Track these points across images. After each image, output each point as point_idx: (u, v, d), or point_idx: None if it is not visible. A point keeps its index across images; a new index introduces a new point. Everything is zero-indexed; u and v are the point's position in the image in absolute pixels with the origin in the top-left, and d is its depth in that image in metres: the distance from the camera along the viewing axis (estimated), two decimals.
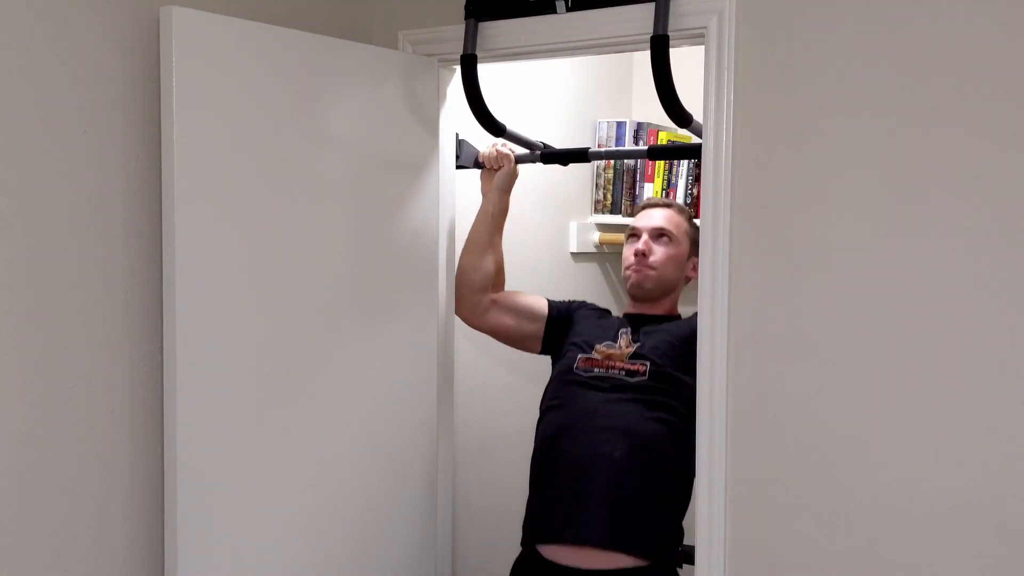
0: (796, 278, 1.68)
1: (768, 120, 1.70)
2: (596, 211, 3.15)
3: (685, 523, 2.08)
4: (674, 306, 2.28)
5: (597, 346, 2.16)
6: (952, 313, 1.55)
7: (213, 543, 1.75)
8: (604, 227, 3.17)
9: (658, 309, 2.25)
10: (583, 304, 2.36)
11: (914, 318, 1.58)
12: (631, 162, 3.07)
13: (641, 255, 2.21)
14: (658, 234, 2.23)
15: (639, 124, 3.04)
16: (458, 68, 2.05)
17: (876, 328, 1.61)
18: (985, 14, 1.50)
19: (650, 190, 3.01)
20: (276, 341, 1.83)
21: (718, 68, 1.73)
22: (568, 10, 1.93)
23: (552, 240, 3.02)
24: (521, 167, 2.30)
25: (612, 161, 3.09)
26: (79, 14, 1.61)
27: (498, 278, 2.32)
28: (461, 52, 2.00)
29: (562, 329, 2.30)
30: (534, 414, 2.31)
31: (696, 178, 2.87)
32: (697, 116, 1.85)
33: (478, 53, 2.01)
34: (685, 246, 2.24)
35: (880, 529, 1.61)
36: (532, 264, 2.88)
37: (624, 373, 2.09)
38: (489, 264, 2.28)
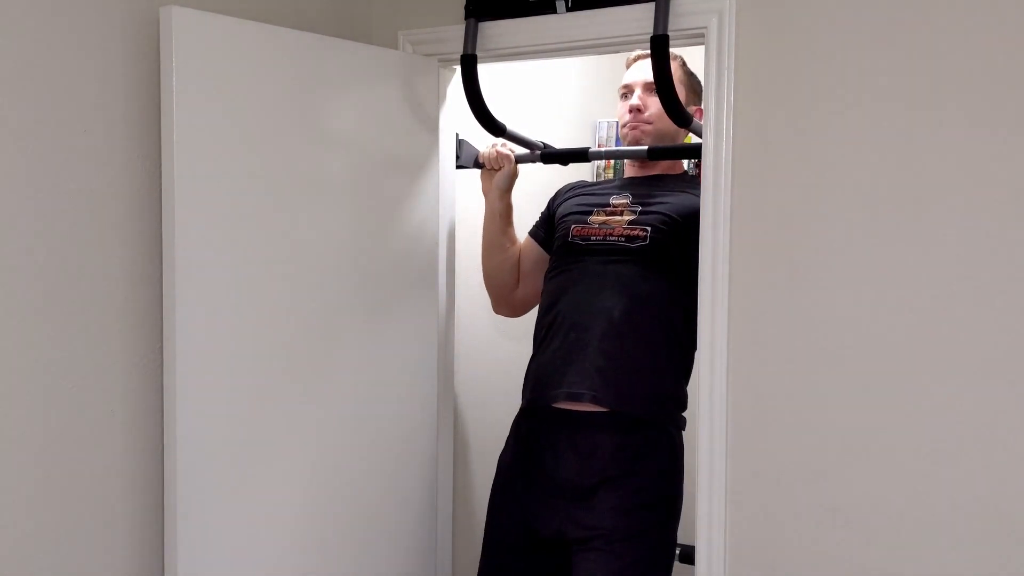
0: (796, 279, 1.68)
1: (768, 120, 1.70)
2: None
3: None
4: (675, 162, 2.20)
5: (592, 215, 2.09)
6: (952, 314, 1.55)
7: (213, 542, 1.75)
8: None
9: (658, 168, 2.16)
10: (559, 192, 2.28)
11: (914, 318, 1.58)
12: None
13: (636, 111, 2.12)
14: (651, 87, 2.05)
15: None
16: (458, 68, 2.05)
17: (876, 328, 1.61)
18: (987, 14, 1.50)
19: None
20: (276, 341, 1.83)
21: (718, 68, 1.73)
22: (568, 10, 1.93)
23: None
24: (521, 167, 2.30)
25: (612, 161, 3.09)
26: (79, 14, 1.61)
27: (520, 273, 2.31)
28: (461, 52, 2.01)
29: (554, 228, 2.22)
30: None
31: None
32: None
33: (478, 53, 2.01)
34: (681, 94, 2.03)
35: (880, 529, 1.61)
36: None
37: (624, 239, 2.02)
38: (511, 260, 2.26)
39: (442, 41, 2.11)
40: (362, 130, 1.99)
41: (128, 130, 1.69)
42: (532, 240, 2.28)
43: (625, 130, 2.16)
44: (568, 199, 2.23)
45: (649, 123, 2.12)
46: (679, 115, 1.85)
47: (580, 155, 2.37)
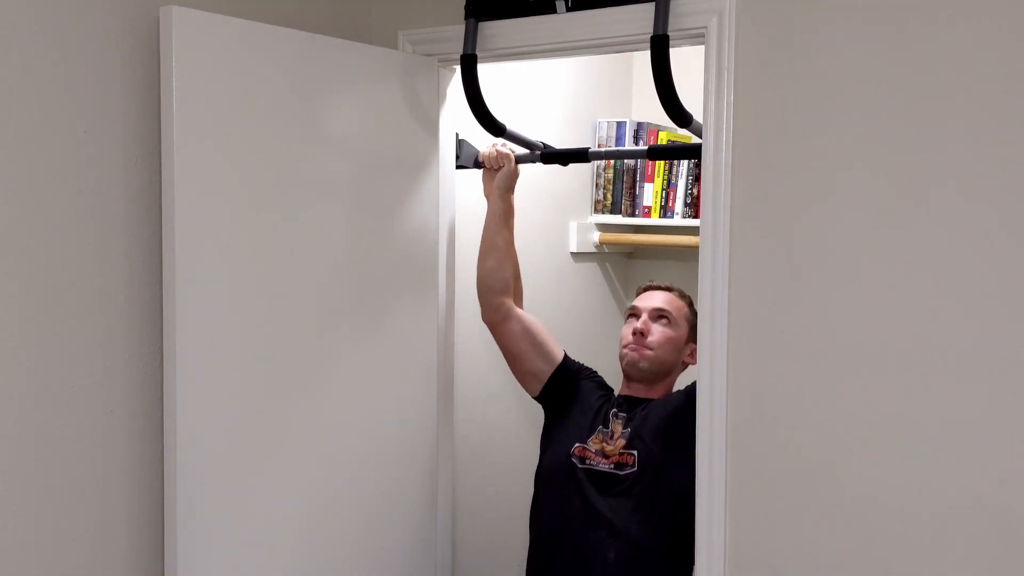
0: (796, 278, 1.68)
1: (768, 120, 1.70)
2: (596, 211, 3.14)
3: None
4: (669, 390, 2.26)
5: (593, 436, 2.17)
6: (953, 313, 1.54)
7: (213, 543, 1.75)
8: (604, 227, 3.17)
9: (653, 393, 2.22)
10: (592, 375, 2.34)
11: (914, 319, 1.58)
12: (631, 162, 3.07)
13: (639, 334, 2.21)
14: (657, 315, 2.22)
15: (639, 124, 3.04)
16: (458, 68, 2.05)
17: (876, 329, 1.61)
18: (987, 12, 1.50)
19: (650, 190, 3.01)
20: (276, 341, 1.83)
21: (718, 68, 1.73)
22: (568, 10, 1.92)
23: (552, 240, 3.02)
24: (521, 167, 2.30)
25: (612, 161, 3.09)
26: (79, 14, 1.61)
27: (515, 284, 2.31)
28: (461, 52, 2.00)
29: (566, 387, 2.28)
30: (534, 414, 2.31)
31: (696, 178, 2.87)
32: (697, 116, 1.85)
33: (478, 53, 2.01)
34: (684, 330, 2.23)
35: (880, 530, 1.61)
36: (532, 264, 2.87)
37: (614, 466, 2.10)
38: (504, 267, 2.27)
39: (442, 41, 2.11)
40: (362, 130, 1.99)
41: (128, 130, 1.69)
42: (563, 354, 2.31)
43: (626, 350, 2.24)
44: (587, 403, 2.26)
45: (650, 348, 2.20)
46: (679, 115, 1.85)
47: (580, 155, 2.37)
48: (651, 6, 1.79)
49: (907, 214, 1.57)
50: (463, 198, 2.36)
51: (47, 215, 1.58)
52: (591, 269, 3.21)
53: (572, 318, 3.00)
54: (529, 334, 2.28)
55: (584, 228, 3.13)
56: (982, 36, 1.50)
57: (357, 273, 1.99)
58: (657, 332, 2.21)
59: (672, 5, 1.78)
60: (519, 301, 2.33)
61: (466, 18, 2.02)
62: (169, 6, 1.64)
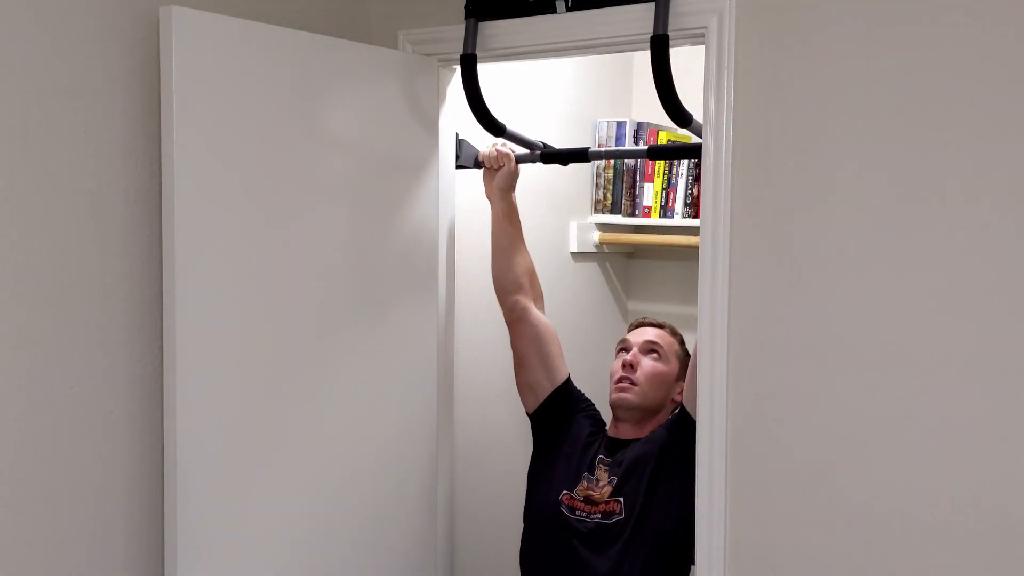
0: (796, 278, 1.68)
1: (768, 120, 1.70)
2: (596, 211, 3.14)
3: None
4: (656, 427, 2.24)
5: (577, 487, 2.16)
6: (954, 315, 1.54)
7: (213, 543, 1.74)
8: (604, 227, 3.17)
9: (640, 432, 2.20)
10: (588, 407, 2.33)
11: (915, 319, 1.57)
12: (631, 162, 3.06)
13: (628, 366, 2.21)
14: (648, 348, 2.23)
15: (639, 124, 3.04)
16: (458, 68, 2.05)
17: (877, 328, 1.61)
18: (987, 11, 1.50)
19: (650, 190, 3.01)
20: (276, 341, 1.83)
21: (718, 68, 1.73)
22: (568, 10, 1.92)
23: (552, 240, 3.02)
24: (521, 167, 2.30)
25: (612, 161, 3.09)
26: (79, 14, 1.61)
27: (532, 280, 2.31)
28: (461, 52, 2.00)
29: (558, 415, 2.27)
30: None
31: (696, 178, 2.87)
32: (697, 116, 1.85)
33: (478, 53, 2.01)
34: (674, 366, 2.23)
35: (881, 531, 1.61)
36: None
37: (601, 516, 2.10)
38: (516, 266, 2.27)
39: (442, 41, 2.10)
40: (362, 130, 1.99)
41: (128, 130, 1.69)
42: (567, 376, 2.30)
43: (614, 388, 2.24)
44: (577, 444, 2.24)
45: (637, 384, 2.20)
46: (679, 115, 1.85)
47: (580, 155, 2.37)
48: (651, 6, 1.79)
49: (907, 214, 1.57)
50: (463, 198, 2.36)
51: (47, 215, 1.58)
52: (591, 269, 3.21)
53: (572, 318, 3.00)
54: (538, 342, 2.27)
55: (584, 228, 3.13)
56: (983, 36, 1.50)
57: (357, 273, 1.99)
58: (647, 365, 2.21)
59: (672, 5, 1.77)
60: (539, 303, 2.32)
61: (466, 18, 2.02)
62: (169, 6, 1.64)
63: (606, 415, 2.32)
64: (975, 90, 1.51)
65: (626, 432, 2.21)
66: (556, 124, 2.92)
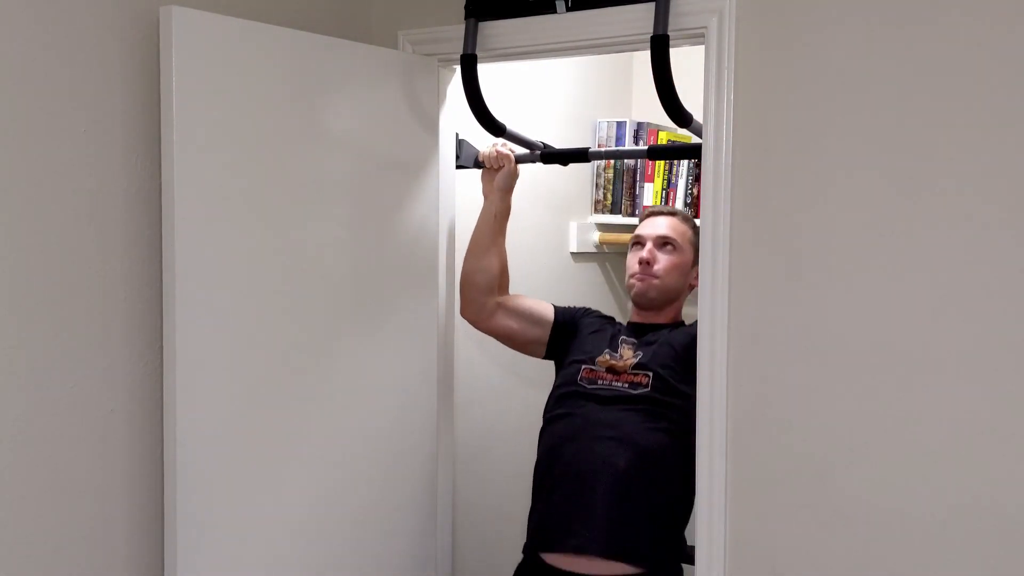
0: (796, 278, 1.68)
1: (768, 120, 1.70)
2: (596, 211, 3.15)
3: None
4: (678, 314, 2.28)
5: (599, 358, 2.17)
6: (954, 314, 1.54)
7: (213, 543, 1.75)
8: (604, 227, 3.17)
9: (662, 318, 2.24)
10: (588, 311, 2.36)
11: (915, 319, 1.58)
12: (631, 162, 3.07)
13: (645, 263, 2.21)
14: (662, 242, 2.22)
15: (639, 124, 3.04)
16: (458, 68, 2.05)
17: (877, 328, 1.61)
18: (987, 11, 1.50)
19: (650, 190, 3.01)
20: (276, 341, 1.83)
21: (718, 68, 1.73)
22: (568, 10, 1.93)
23: (552, 240, 3.02)
24: (521, 167, 2.30)
25: (612, 161, 3.09)
26: (79, 14, 1.61)
27: (503, 279, 2.32)
28: (461, 52, 2.00)
29: (566, 336, 2.29)
30: (534, 414, 2.31)
31: (696, 178, 2.87)
32: (697, 116, 1.85)
33: (478, 53, 2.01)
34: (689, 255, 2.23)
35: (881, 530, 1.61)
36: (532, 264, 2.88)
37: (627, 385, 2.10)
38: (493, 265, 2.27)
39: (442, 41, 2.11)
40: (362, 130, 1.99)
41: (128, 130, 1.69)
42: (552, 310, 2.33)
43: (633, 280, 2.25)
44: (588, 332, 2.27)
45: (657, 277, 2.21)
46: (679, 115, 1.85)
47: (580, 155, 2.37)
48: (651, 6, 1.79)
49: (907, 214, 1.57)
50: (463, 198, 2.36)
51: (47, 215, 1.58)
52: (591, 269, 3.21)
53: None
54: (516, 313, 2.30)
55: (584, 228, 3.13)
56: (982, 36, 1.50)
57: (357, 273, 1.99)
58: (663, 260, 2.21)
59: (672, 5, 1.78)
60: (504, 291, 2.34)
61: (466, 18, 2.02)
62: (169, 6, 1.64)
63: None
64: (975, 90, 1.51)
65: (648, 318, 2.24)
66: (556, 124, 2.93)
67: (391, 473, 2.10)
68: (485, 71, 2.04)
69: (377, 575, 2.08)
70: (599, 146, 3.05)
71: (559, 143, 2.49)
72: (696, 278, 2.16)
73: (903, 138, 1.57)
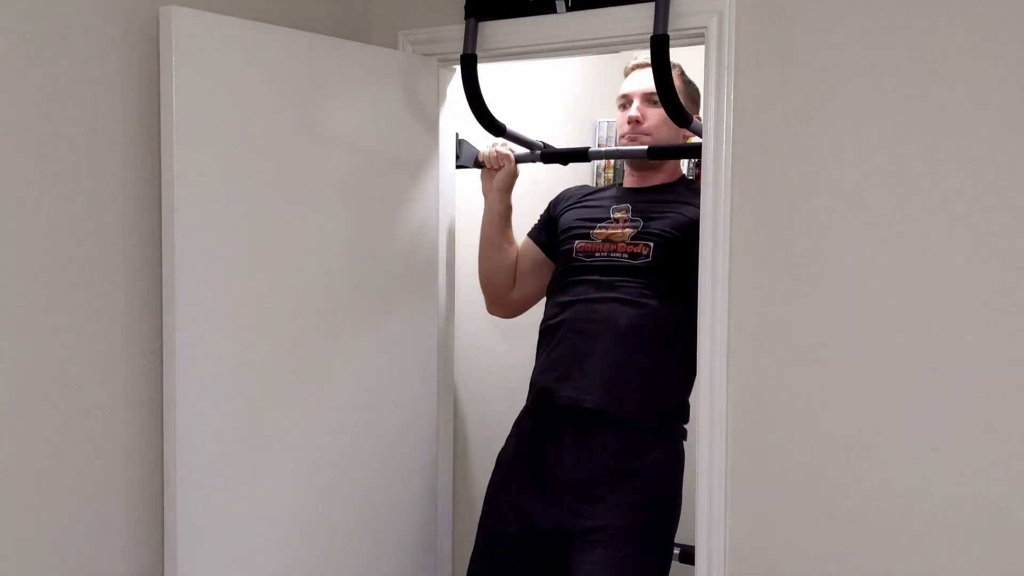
0: (796, 278, 1.68)
1: (768, 120, 1.70)
2: None
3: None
4: (676, 169, 2.20)
5: (594, 231, 2.10)
6: (954, 314, 1.55)
7: (213, 542, 1.75)
8: None
9: (657, 178, 2.16)
10: (559, 199, 2.28)
11: (915, 319, 1.58)
12: None
13: (635, 122, 2.12)
14: (649, 97, 2.10)
15: None
16: (458, 68, 2.05)
17: (877, 328, 1.61)
18: (986, 13, 1.50)
19: None
20: (276, 341, 1.83)
21: (718, 68, 1.73)
22: (568, 10, 1.93)
23: None
24: (521, 167, 2.30)
25: (612, 161, 3.09)
26: (79, 14, 1.61)
27: (519, 267, 2.30)
28: (461, 52, 2.00)
29: (556, 237, 2.22)
30: None
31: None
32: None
33: (478, 53, 2.01)
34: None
35: (880, 530, 1.61)
36: None
37: (627, 256, 2.03)
38: (508, 260, 2.26)
39: (442, 41, 2.11)
40: (362, 130, 1.99)
41: (128, 130, 1.69)
42: (531, 242, 2.29)
43: (624, 140, 2.17)
44: (570, 208, 2.23)
45: (648, 134, 2.13)
46: (679, 116, 1.85)
47: (580, 155, 2.37)
48: (651, 6, 1.79)
49: (907, 214, 1.57)
50: (463, 198, 2.36)
51: (47, 215, 1.58)
52: None
53: None
54: (529, 283, 2.26)
55: None
56: (983, 36, 1.51)
57: (357, 273, 1.99)
58: (652, 116, 2.12)
59: (672, 5, 1.78)
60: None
61: (466, 18, 2.02)
62: (169, 6, 1.64)
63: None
64: (975, 89, 1.51)
65: (645, 180, 2.17)
66: (556, 124, 2.92)
67: (391, 472, 2.10)
68: (485, 71, 2.04)
69: (378, 572, 2.08)
70: (599, 146, 3.05)
71: (559, 143, 2.49)
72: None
73: (903, 137, 1.57)
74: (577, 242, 2.11)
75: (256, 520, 1.82)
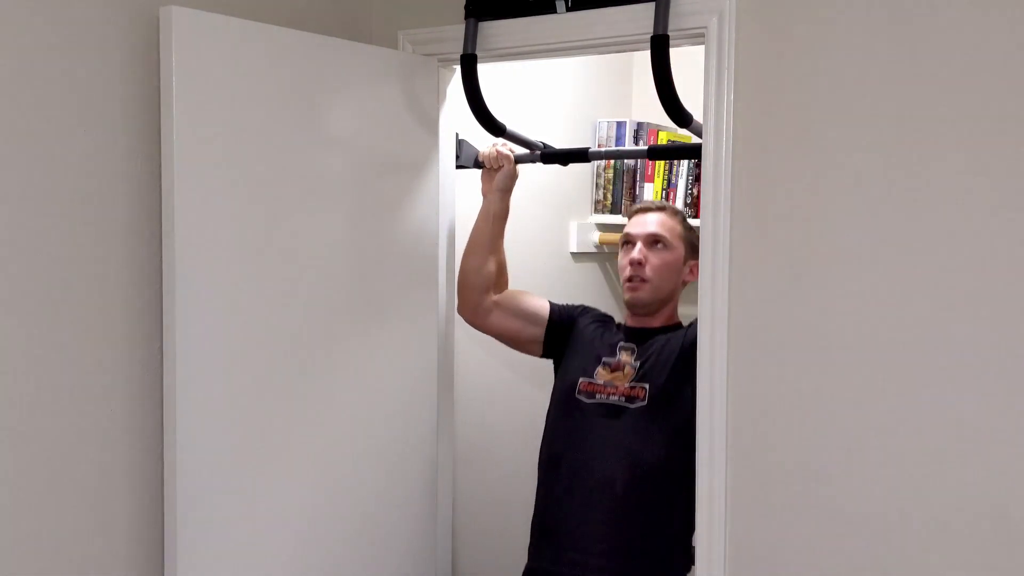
0: (797, 278, 1.68)
1: (768, 120, 1.70)
2: (596, 211, 3.14)
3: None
4: (673, 314, 2.26)
5: (599, 369, 2.17)
6: (954, 314, 1.54)
7: (213, 543, 1.75)
8: (604, 227, 3.17)
9: (657, 321, 2.23)
10: (585, 310, 2.35)
11: (915, 319, 1.57)
12: (631, 162, 3.07)
13: (637, 264, 2.19)
14: (652, 240, 2.20)
15: (639, 124, 3.04)
16: (458, 68, 2.05)
17: (877, 329, 1.61)
18: (985, 11, 1.50)
19: (650, 190, 3.01)
20: (276, 342, 1.83)
21: (718, 68, 1.73)
22: (568, 10, 1.92)
23: (552, 240, 3.02)
24: (521, 167, 2.30)
25: (612, 161, 3.09)
26: (79, 14, 1.61)
27: (500, 279, 2.32)
28: (461, 52, 2.00)
29: (563, 334, 2.29)
30: (535, 413, 2.31)
31: (696, 178, 2.87)
32: (697, 116, 1.85)
33: (478, 53, 2.01)
34: (681, 250, 2.22)
35: (880, 530, 1.61)
36: (532, 264, 2.87)
37: (624, 399, 2.11)
38: (491, 265, 2.27)
39: (442, 41, 2.11)
40: (362, 130, 1.99)
41: (128, 130, 1.69)
42: (548, 306, 2.32)
43: (626, 287, 2.24)
44: (587, 333, 2.27)
45: (647, 280, 2.19)
46: (679, 115, 1.85)
47: (580, 155, 2.37)
48: (651, 6, 1.79)
49: (908, 214, 1.57)
50: (463, 198, 2.36)
51: (47, 216, 1.58)
52: (591, 269, 3.21)
53: None
54: (512, 312, 2.30)
55: (584, 228, 3.13)
56: (983, 35, 1.50)
57: (357, 273, 1.99)
58: (654, 259, 2.19)
59: (672, 5, 1.78)
60: (502, 290, 2.34)
61: (466, 18, 2.02)
62: (169, 6, 1.64)
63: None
64: (974, 89, 1.51)
65: (644, 322, 2.24)
66: (556, 124, 2.93)
67: (391, 472, 2.10)
68: (485, 71, 2.04)
69: (378, 573, 2.08)
70: (599, 146, 3.05)
71: (559, 143, 2.49)
72: (691, 272, 2.19)
73: (903, 137, 1.57)
74: (581, 379, 2.18)
75: (256, 520, 1.82)
